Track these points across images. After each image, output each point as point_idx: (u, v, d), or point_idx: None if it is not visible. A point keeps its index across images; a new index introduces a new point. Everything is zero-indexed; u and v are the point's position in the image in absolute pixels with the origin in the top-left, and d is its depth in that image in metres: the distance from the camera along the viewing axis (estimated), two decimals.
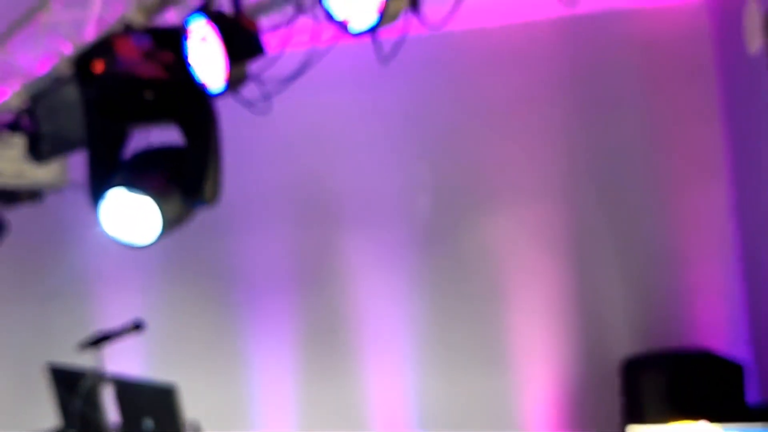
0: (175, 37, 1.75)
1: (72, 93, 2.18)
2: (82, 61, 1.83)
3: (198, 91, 1.72)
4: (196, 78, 1.66)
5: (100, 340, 2.89)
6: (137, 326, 2.94)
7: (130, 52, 1.72)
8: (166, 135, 1.96)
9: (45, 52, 2.58)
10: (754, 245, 3.58)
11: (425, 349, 4.05)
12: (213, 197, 1.80)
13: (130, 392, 2.39)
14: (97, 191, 1.88)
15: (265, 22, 1.86)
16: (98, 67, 1.78)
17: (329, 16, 1.54)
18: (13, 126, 2.70)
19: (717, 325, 3.79)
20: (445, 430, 4.04)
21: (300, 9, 1.66)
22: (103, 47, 1.73)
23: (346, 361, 4.18)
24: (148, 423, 2.27)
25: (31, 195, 2.71)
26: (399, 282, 4.07)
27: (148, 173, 1.82)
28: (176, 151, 1.83)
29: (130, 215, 1.85)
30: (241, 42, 1.59)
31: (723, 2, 3.64)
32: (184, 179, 1.78)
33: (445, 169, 4.08)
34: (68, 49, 2.42)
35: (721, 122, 3.81)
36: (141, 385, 2.42)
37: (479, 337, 3.96)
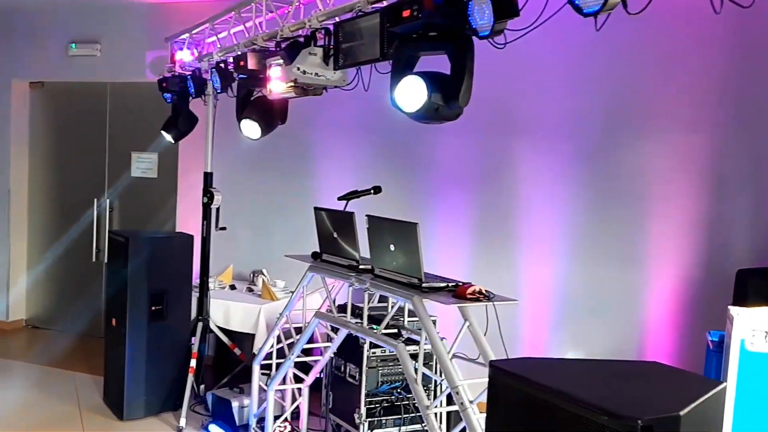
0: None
1: (371, 23, 3.25)
2: (394, 6, 2.90)
3: (467, 34, 2.73)
4: (471, 24, 2.65)
5: (350, 195, 4.10)
6: (376, 189, 4.13)
7: (429, 5, 2.74)
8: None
9: None
10: None
11: (573, 244, 4.94)
12: (464, 102, 2.83)
13: (380, 225, 3.51)
14: (393, 91, 2.98)
15: None
16: (405, 13, 2.83)
17: None
18: (310, 39, 3.82)
19: None
20: (581, 312, 4.99)
21: None
22: (413, 1, 2.77)
23: (507, 247, 5.18)
24: (393, 247, 3.41)
25: (319, 90, 3.86)
26: (560, 188, 4.96)
27: (427, 75, 2.89)
28: (444, 75, 2.88)
29: (409, 95, 2.95)
30: (506, 5, 2.56)
31: None
32: (448, 87, 2.83)
33: (615, 96, 4.78)
34: None
35: None
36: (389, 220, 3.50)
37: (620, 239, 4.79)
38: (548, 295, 5.01)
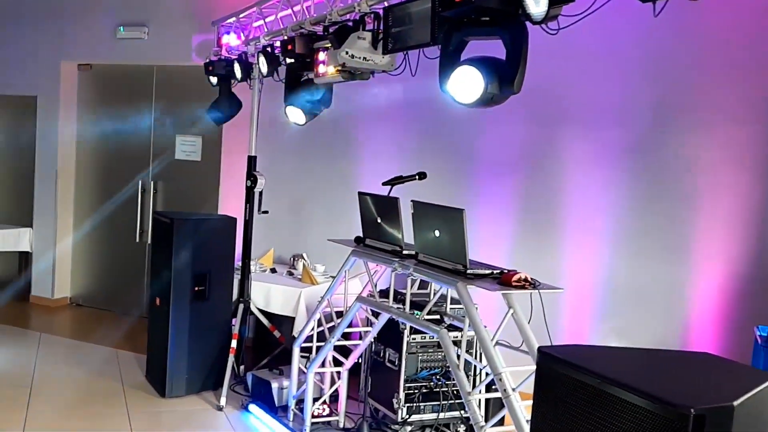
0: None
1: (422, 8, 3.24)
2: None
3: (521, 19, 2.70)
4: (526, 9, 2.63)
5: (395, 180, 4.11)
6: (421, 175, 4.13)
7: None
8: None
9: None
10: None
11: (618, 235, 4.88)
12: (518, 88, 2.81)
13: (425, 211, 3.51)
14: (444, 79, 2.97)
15: None
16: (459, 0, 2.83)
17: None
18: (359, 23, 3.83)
19: None
20: (624, 303, 4.94)
21: None
22: None
23: (551, 236, 5.14)
24: (438, 233, 3.41)
25: (366, 75, 3.87)
26: (606, 177, 4.90)
27: (480, 62, 2.87)
28: (498, 59, 2.86)
29: (464, 85, 2.93)
30: None
31: None
32: (502, 74, 2.81)
33: (664, 87, 4.72)
34: None
35: None
36: (435, 206, 3.50)
37: (666, 231, 4.72)
38: (591, 285, 4.97)
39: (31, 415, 4.55)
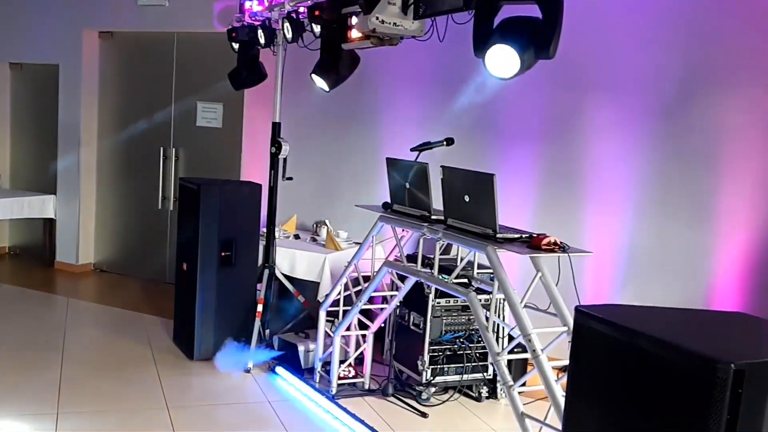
0: None
1: None
2: None
3: None
4: None
5: (423, 146, 4.14)
6: (449, 141, 4.16)
7: None
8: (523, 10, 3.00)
9: None
10: None
11: (642, 200, 4.88)
12: (553, 54, 2.83)
13: (455, 176, 3.55)
14: (478, 44, 2.99)
15: None
16: None
17: None
18: None
19: None
20: (647, 268, 4.97)
21: None
22: None
23: (574, 201, 5.16)
24: (468, 198, 3.45)
25: (396, 40, 3.88)
26: (630, 143, 4.89)
27: (515, 33, 2.89)
28: (533, 21, 2.87)
29: (501, 61, 2.96)
30: None
31: None
32: (537, 39, 2.82)
33: (690, 51, 4.67)
34: None
35: None
36: (465, 171, 3.51)
37: (690, 197, 4.71)
38: (615, 250, 4.99)
39: (65, 377, 4.67)
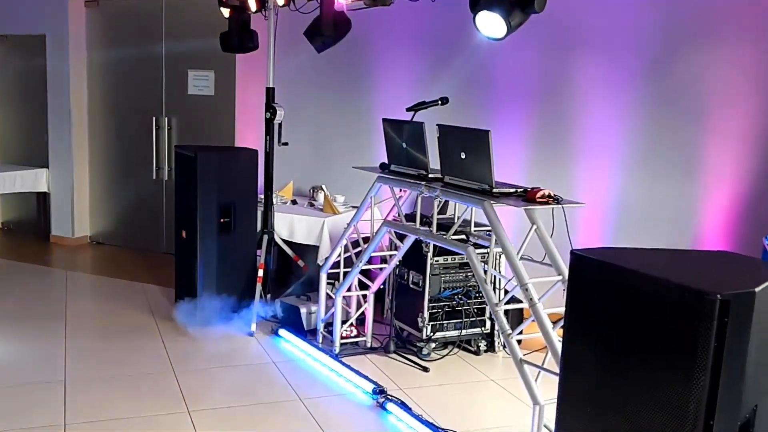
0: None
1: None
2: None
3: None
4: None
5: (418, 106, 4.20)
6: (444, 100, 4.22)
7: None
8: None
9: None
10: None
11: (630, 157, 4.99)
12: (541, 8, 2.90)
13: (451, 134, 3.62)
14: (473, 6, 3.07)
15: None
16: None
17: None
18: None
19: None
20: (636, 223, 5.08)
21: None
22: None
23: (564, 159, 5.26)
24: (464, 155, 3.53)
25: (388, 1, 3.92)
26: (618, 101, 4.98)
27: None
28: None
29: (490, 25, 3.04)
30: None
31: None
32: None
33: (676, 8, 4.73)
34: None
35: None
36: (460, 129, 3.60)
37: (678, 151, 4.81)
38: (604, 206, 5.10)
39: (70, 346, 4.76)
